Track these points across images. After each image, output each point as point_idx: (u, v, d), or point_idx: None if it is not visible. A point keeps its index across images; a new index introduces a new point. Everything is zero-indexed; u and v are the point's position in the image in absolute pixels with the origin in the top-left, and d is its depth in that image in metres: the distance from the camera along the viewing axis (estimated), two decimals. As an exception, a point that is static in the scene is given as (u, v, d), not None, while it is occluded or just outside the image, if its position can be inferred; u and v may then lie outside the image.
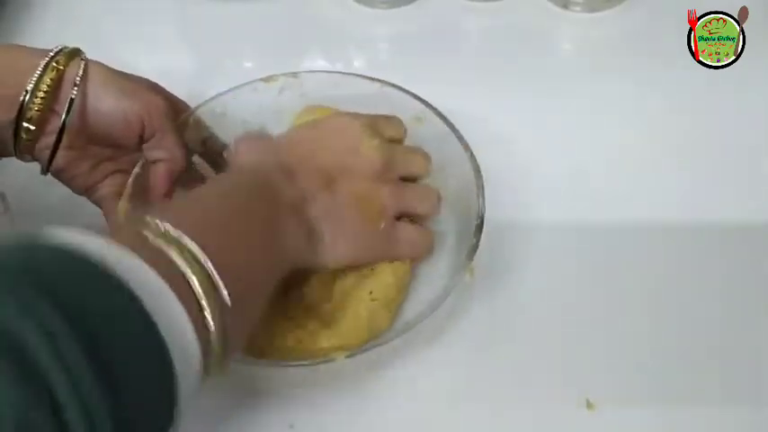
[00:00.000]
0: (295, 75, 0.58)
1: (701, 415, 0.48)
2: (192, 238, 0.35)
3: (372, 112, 0.56)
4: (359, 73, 0.59)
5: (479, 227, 0.49)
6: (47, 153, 0.50)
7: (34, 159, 0.51)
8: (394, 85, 0.57)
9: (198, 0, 0.76)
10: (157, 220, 0.36)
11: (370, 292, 0.49)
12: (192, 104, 0.58)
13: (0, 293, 0.28)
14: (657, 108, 0.65)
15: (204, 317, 0.34)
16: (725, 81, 0.62)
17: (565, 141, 0.63)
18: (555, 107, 0.65)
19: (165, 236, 0.35)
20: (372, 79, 0.57)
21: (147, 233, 0.35)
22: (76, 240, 0.31)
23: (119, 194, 0.52)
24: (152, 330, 0.31)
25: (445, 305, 0.50)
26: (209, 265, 0.35)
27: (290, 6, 0.76)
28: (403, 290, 0.51)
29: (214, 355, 0.35)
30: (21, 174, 0.53)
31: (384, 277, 0.50)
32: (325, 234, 0.47)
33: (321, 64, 0.72)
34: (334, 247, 0.48)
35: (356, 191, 0.49)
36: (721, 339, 0.52)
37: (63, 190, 0.53)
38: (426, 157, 0.53)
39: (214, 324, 0.35)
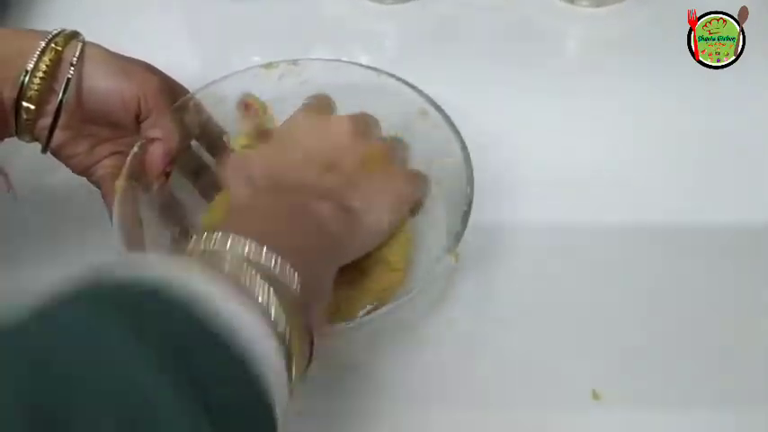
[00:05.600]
0: (295, 62, 0.58)
1: (707, 406, 0.49)
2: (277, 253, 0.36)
3: (370, 101, 0.56)
4: (358, 62, 0.58)
5: (467, 213, 0.49)
6: (46, 133, 0.51)
7: (35, 139, 0.52)
8: (392, 75, 0.57)
9: (205, -4, 0.77)
10: (236, 240, 0.36)
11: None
12: (197, 99, 0.58)
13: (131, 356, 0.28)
14: (657, 108, 0.65)
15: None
16: (725, 81, 0.62)
17: (566, 138, 0.63)
18: (559, 103, 0.66)
19: (248, 261, 0.35)
20: (371, 69, 0.57)
21: (227, 257, 0.35)
22: (181, 281, 0.32)
23: (117, 175, 0.53)
24: (266, 403, 0.32)
25: (436, 304, 0.52)
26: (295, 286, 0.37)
27: (297, 2, 0.76)
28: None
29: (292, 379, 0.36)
30: (23, 154, 0.54)
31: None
32: (361, 210, 0.48)
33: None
34: (377, 216, 0.49)
35: (358, 156, 0.51)
36: (728, 333, 0.52)
37: (65, 170, 0.54)
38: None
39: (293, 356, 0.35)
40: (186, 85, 0.57)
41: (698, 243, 0.57)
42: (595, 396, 0.49)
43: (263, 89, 0.58)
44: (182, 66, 0.68)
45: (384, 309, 0.46)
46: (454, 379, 0.51)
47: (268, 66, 0.58)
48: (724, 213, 0.58)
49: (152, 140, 0.52)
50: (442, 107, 0.54)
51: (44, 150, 0.52)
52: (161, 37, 0.75)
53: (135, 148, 0.52)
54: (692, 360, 0.51)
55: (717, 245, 0.57)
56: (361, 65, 0.58)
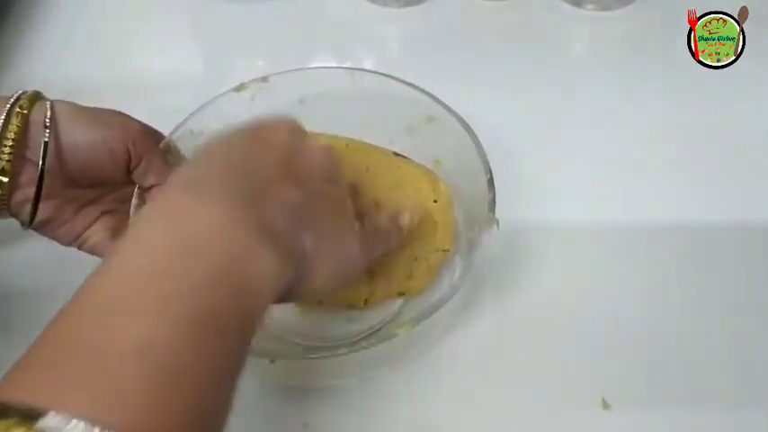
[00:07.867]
0: (265, 79, 0.56)
1: (715, 414, 0.49)
2: None
3: (347, 104, 0.56)
4: (330, 65, 0.58)
5: (491, 181, 0.49)
6: (24, 206, 0.46)
7: (11, 215, 0.47)
8: (369, 71, 0.56)
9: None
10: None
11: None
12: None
13: None
14: (659, 108, 0.65)
15: None
16: (725, 81, 0.61)
17: (571, 140, 0.63)
18: (563, 106, 0.66)
19: None
20: (344, 69, 0.56)
21: None
22: None
23: (115, 236, 0.49)
24: None
25: (458, 305, 0.52)
26: None
27: (303, 5, 0.76)
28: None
29: None
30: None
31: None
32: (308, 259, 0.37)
33: (332, 63, 0.71)
34: (320, 271, 0.38)
35: (327, 194, 0.40)
36: (736, 339, 0.52)
37: (46, 242, 0.50)
38: None
39: None
40: (192, 90, 0.56)
41: (698, 243, 0.57)
42: (605, 405, 0.49)
43: (237, 113, 0.55)
44: (186, 70, 0.70)
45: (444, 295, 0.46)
46: (464, 384, 0.52)
47: (239, 88, 0.56)
48: (725, 213, 0.58)
49: (148, 188, 0.48)
50: (443, 109, 0.54)
51: (27, 226, 0.47)
52: (165, 42, 0.75)
53: (134, 199, 0.49)
54: (702, 369, 0.51)
55: (717, 245, 0.56)
56: (332, 66, 0.57)
